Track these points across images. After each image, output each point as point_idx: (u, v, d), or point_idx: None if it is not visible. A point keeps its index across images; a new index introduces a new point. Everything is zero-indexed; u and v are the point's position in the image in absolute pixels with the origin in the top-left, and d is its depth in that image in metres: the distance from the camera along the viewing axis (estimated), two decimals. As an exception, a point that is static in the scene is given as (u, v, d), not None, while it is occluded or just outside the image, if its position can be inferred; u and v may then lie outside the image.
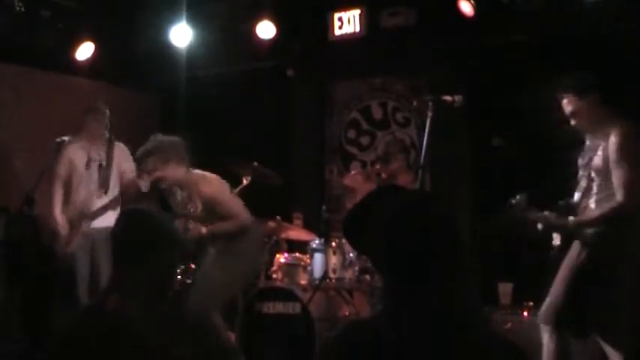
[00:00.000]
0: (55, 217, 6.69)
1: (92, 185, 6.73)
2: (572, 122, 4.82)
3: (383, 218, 2.25)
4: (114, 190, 6.82)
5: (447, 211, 2.27)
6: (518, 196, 4.74)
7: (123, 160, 6.83)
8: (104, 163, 6.76)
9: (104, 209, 6.70)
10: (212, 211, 5.55)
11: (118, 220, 3.16)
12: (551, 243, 4.92)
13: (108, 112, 6.83)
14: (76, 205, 6.72)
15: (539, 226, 4.77)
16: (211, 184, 5.64)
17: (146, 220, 3.05)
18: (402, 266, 2.19)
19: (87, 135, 6.83)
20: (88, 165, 6.76)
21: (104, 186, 6.72)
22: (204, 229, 5.42)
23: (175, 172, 5.56)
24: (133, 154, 6.57)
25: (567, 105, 4.81)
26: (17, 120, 8.42)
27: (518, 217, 4.76)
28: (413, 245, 2.18)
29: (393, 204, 2.29)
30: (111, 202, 6.75)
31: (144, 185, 6.14)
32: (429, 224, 2.22)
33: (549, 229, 4.80)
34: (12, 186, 8.13)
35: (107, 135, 6.85)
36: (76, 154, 6.80)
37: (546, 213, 4.72)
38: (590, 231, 4.68)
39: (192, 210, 5.57)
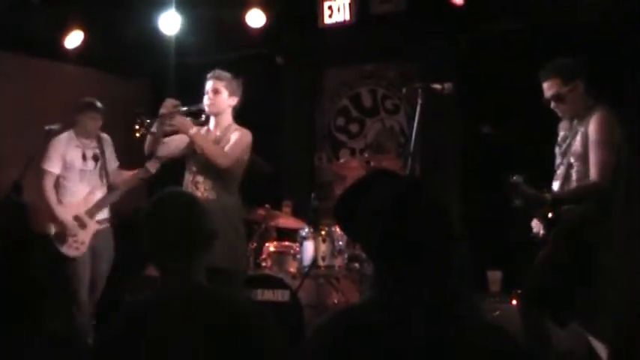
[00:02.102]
0: (63, 219, 6.46)
1: (93, 179, 6.65)
2: (553, 105, 4.81)
3: (374, 204, 2.24)
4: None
5: (438, 198, 2.25)
6: (514, 177, 4.71)
7: (109, 150, 6.76)
8: (99, 155, 6.69)
9: (105, 202, 6.64)
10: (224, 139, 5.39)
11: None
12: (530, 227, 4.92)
13: (102, 108, 6.72)
14: (79, 203, 6.59)
15: (517, 201, 4.73)
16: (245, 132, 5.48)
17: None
18: (392, 253, 2.18)
19: (81, 132, 6.67)
20: (84, 160, 6.68)
21: (104, 177, 6.67)
22: (194, 129, 5.19)
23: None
24: (122, 141, 6.63)
25: (550, 88, 4.79)
26: (5, 106, 8.38)
27: (517, 198, 4.73)
28: (403, 232, 2.16)
29: (384, 190, 2.28)
30: (108, 195, 6.69)
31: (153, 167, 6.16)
32: (420, 211, 2.20)
33: (527, 204, 4.76)
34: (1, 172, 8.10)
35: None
36: (70, 152, 6.61)
37: (525, 187, 4.70)
38: (570, 212, 4.66)
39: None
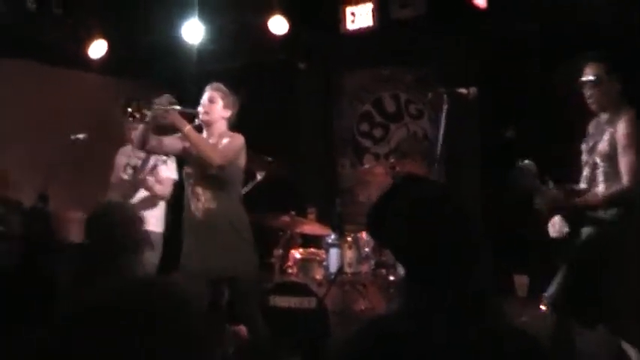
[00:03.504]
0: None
1: (126, 189, 6.72)
2: (586, 91, 4.73)
3: (403, 210, 2.28)
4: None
5: (464, 203, 2.30)
6: (526, 161, 4.68)
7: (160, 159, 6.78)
8: (138, 166, 6.74)
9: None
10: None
11: None
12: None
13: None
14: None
15: (539, 200, 4.70)
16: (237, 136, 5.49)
17: None
18: (420, 259, 2.23)
19: (131, 143, 6.77)
20: (124, 169, 6.77)
21: (134, 190, 6.70)
22: (188, 126, 5.16)
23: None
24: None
25: (592, 71, 4.70)
26: (27, 116, 8.42)
27: (527, 184, 4.69)
28: (431, 237, 2.22)
29: (413, 196, 2.32)
30: (141, 202, 6.73)
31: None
32: (447, 217, 2.25)
33: (551, 206, 4.73)
34: (25, 181, 8.13)
35: None
36: (120, 160, 6.87)
37: (552, 189, 4.66)
38: (602, 215, 4.62)
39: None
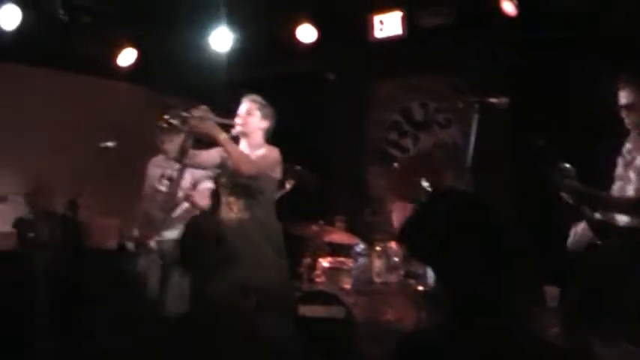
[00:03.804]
0: (132, 235, 6.85)
1: (162, 201, 6.77)
2: (624, 114, 4.69)
3: (438, 222, 2.31)
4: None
5: (497, 215, 2.33)
6: (567, 165, 4.65)
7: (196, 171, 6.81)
8: (174, 176, 6.78)
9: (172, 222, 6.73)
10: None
11: None
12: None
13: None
14: (148, 222, 6.76)
15: (566, 195, 4.67)
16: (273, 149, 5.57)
17: None
18: (453, 270, 2.26)
19: (165, 155, 6.84)
20: (160, 181, 6.83)
21: (170, 201, 6.75)
22: (224, 135, 5.20)
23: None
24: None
25: (627, 95, 4.65)
26: (56, 125, 8.49)
27: (563, 184, 4.66)
28: (465, 249, 2.24)
29: (447, 208, 2.35)
30: (179, 216, 6.77)
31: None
32: (486, 229, 2.28)
33: (579, 201, 4.68)
34: (55, 189, 8.19)
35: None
36: (152, 172, 6.91)
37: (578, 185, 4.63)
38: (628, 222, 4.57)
39: None
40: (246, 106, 5.50)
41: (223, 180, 5.46)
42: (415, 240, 2.42)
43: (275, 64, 8.92)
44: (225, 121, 5.34)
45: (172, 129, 5.23)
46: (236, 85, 8.72)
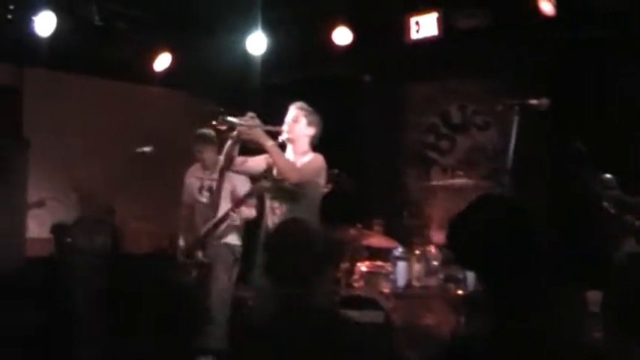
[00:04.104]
0: (180, 246, 7.03)
1: (204, 212, 6.95)
2: None
3: (481, 227, 2.33)
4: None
5: (539, 220, 2.34)
6: (609, 176, 4.60)
7: (234, 178, 6.86)
8: (214, 186, 6.86)
9: (215, 228, 6.80)
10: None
11: None
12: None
13: (212, 137, 6.87)
14: (194, 233, 6.95)
15: (607, 204, 4.61)
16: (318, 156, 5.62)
17: None
18: (497, 275, 2.28)
19: (201, 163, 7.07)
20: (200, 192, 7.01)
21: (212, 212, 6.83)
22: (271, 142, 5.26)
23: None
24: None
25: None
26: (93, 131, 8.55)
27: (604, 195, 4.61)
28: (509, 254, 2.26)
29: (491, 214, 2.37)
30: (219, 219, 6.84)
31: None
32: (529, 234, 2.29)
33: (621, 210, 4.63)
34: (92, 194, 8.25)
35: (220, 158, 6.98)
36: (191, 183, 7.13)
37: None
38: None
39: None
40: (292, 113, 5.55)
41: (268, 185, 5.52)
42: (459, 244, 2.42)
43: (311, 67, 8.90)
44: (272, 128, 5.39)
45: (218, 133, 5.26)
46: (272, 88, 8.74)
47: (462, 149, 8.46)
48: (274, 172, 5.43)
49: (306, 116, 5.53)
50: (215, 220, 6.81)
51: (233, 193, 6.84)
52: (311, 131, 5.56)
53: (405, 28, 8.01)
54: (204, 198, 6.97)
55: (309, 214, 5.34)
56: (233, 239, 6.93)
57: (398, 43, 8.16)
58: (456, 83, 8.67)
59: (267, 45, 8.15)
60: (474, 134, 8.46)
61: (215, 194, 6.88)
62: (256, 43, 8.11)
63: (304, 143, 5.55)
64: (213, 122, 5.19)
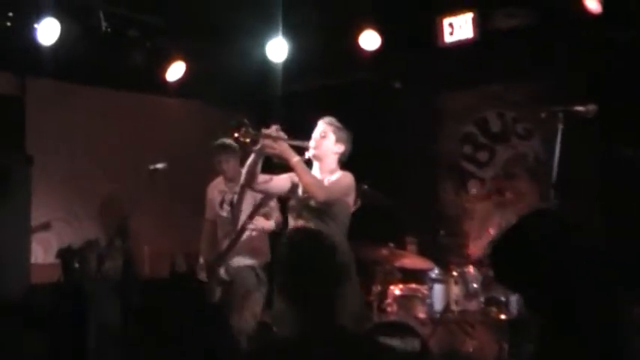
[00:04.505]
0: (200, 263, 7.17)
1: (226, 226, 7.08)
2: None
3: (533, 248, 2.29)
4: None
5: (598, 239, 2.33)
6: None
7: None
8: (235, 201, 6.94)
9: (234, 242, 6.92)
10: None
11: None
12: None
13: (233, 147, 6.91)
14: (216, 250, 7.10)
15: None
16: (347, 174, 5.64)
17: None
18: (554, 302, 2.23)
19: (223, 175, 7.18)
20: (221, 206, 7.12)
21: (234, 224, 6.90)
22: (297, 157, 5.25)
23: None
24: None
25: None
26: (105, 144, 8.60)
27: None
28: (567, 278, 2.22)
29: (542, 232, 2.33)
30: (237, 233, 6.92)
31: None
32: (583, 253, 2.26)
33: None
34: (102, 215, 8.29)
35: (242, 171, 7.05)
36: (214, 197, 7.23)
37: None
38: None
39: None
40: (321, 128, 5.56)
41: (293, 203, 5.52)
42: (504, 264, 2.41)
43: (335, 74, 8.95)
44: (298, 143, 5.40)
45: (241, 145, 5.28)
46: (293, 97, 8.77)
47: (502, 160, 8.43)
48: (299, 189, 5.44)
49: (335, 132, 5.53)
50: (234, 234, 6.88)
51: (256, 207, 6.88)
52: (340, 149, 5.56)
53: (438, 31, 8.04)
54: (225, 212, 7.06)
55: (337, 234, 5.36)
56: (256, 258, 6.98)
57: (430, 47, 8.20)
58: (495, 89, 8.65)
59: (289, 51, 8.21)
60: (515, 144, 8.42)
61: (236, 208, 6.95)
62: (277, 48, 8.18)
63: (332, 161, 5.56)
64: (236, 134, 5.19)
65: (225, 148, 6.97)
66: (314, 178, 5.35)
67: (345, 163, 5.58)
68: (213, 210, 7.17)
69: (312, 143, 5.47)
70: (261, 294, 6.92)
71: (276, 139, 5.21)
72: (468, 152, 8.80)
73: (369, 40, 8.08)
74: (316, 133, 5.54)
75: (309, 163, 5.45)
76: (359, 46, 8.14)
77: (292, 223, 5.46)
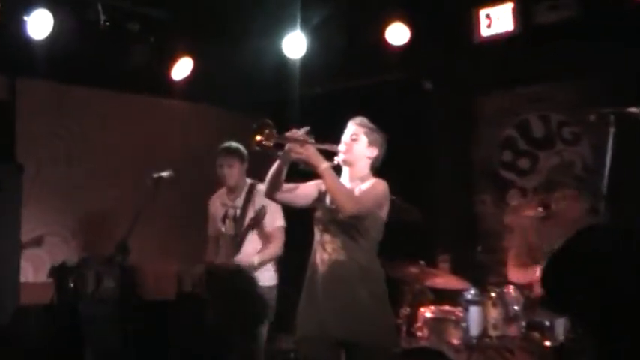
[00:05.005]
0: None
1: (228, 245, 6.96)
2: None
3: (589, 268, 2.28)
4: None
5: None
6: None
7: (263, 209, 6.88)
8: (238, 214, 6.89)
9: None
10: None
11: None
12: None
13: (241, 152, 6.94)
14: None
15: None
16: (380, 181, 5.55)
17: None
18: (617, 328, 2.22)
19: (226, 185, 7.11)
20: (223, 222, 7.03)
21: (237, 243, 6.85)
22: (326, 164, 5.12)
23: None
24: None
25: None
26: (104, 151, 8.60)
27: None
28: (627, 298, 2.21)
29: (599, 250, 2.32)
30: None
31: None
32: None
33: None
34: (100, 229, 8.29)
35: (247, 181, 7.08)
36: (216, 211, 7.15)
37: None
38: None
39: None
40: (351, 130, 5.47)
41: (318, 215, 5.42)
42: (558, 287, 2.40)
43: (360, 73, 8.93)
44: (327, 147, 5.32)
45: (264, 149, 5.21)
46: (313, 99, 8.76)
47: (546, 168, 8.39)
48: (327, 199, 5.37)
49: (367, 135, 5.43)
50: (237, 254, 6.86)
51: (260, 225, 6.84)
52: (373, 153, 5.45)
53: (474, 24, 8.02)
54: (229, 229, 6.99)
55: (367, 251, 5.32)
56: (265, 279, 6.91)
57: (465, 42, 8.20)
58: (537, 89, 8.62)
59: (307, 47, 8.22)
60: (560, 150, 8.40)
61: (238, 224, 6.88)
62: (294, 44, 8.21)
63: (364, 167, 5.45)
64: (258, 137, 5.10)
65: (231, 151, 6.95)
66: (344, 188, 5.25)
67: (378, 169, 5.52)
68: (215, 226, 7.12)
69: (341, 147, 5.38)
70: (269, 318, 6.86)
71: (303, 143, 5.14)
72: (508, 159, 8.78)
73: (397, 34, 8.08)
74: (346, 136, 5.44)
75: (337, 170, 5.38)
76: (385, 41, 8.13)
77: (318, 237, 5.38)
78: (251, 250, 6.85)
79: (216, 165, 6.99)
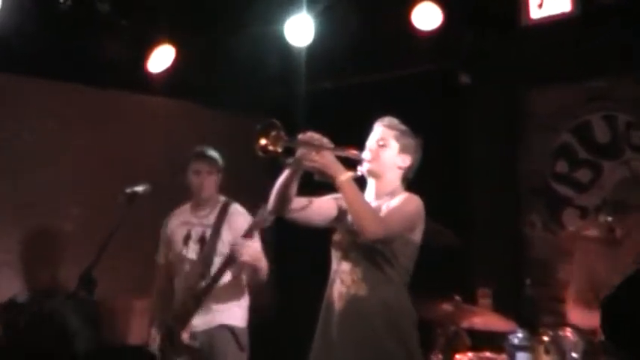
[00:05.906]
0: (152, 334, 6.96)
1: (191, 272, 6.84)
2: None
3: None
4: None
5: None
6: None
7: (236, 228, 6.84)
8: (207, 236, 6.79)
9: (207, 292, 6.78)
10: None
11: None
12: None
13: (220, 161, 6.92)
14: (172, 308, 6.89)
15: None
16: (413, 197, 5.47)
17: None
18: None
19: (194, 199, 7.05)
20: (186, 243, 6.90)
21: (203, 271, 6.72)
22: (346, 175, 4.98)
23: None
24: (241, 203, 6.90)
25: None
26: (67, 162, 8.52)
27: None
28: None
29: None
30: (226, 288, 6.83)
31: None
32: None
33: None
34: (61, 257, 8.22)
35: (221, 198, 7.05)
36: (176, 231, 7.04)
37: None
38: None
39: None
40: (378, 133, 5.36)
41: (337, 237, 5.32)
42: (619, 328, 2.38)
43: (381, 62, 8.88)
44: (347, 154, 5.18)
45: (268, 155, 5.05)
46: (322, 94, 8.69)
47: (611, 182, 8.24)
48: (349, 217, 5.19)
49: (398, 139, 5.32)
50: (204, 282, 6.73)
51: (235, 245, 6.70)
52: (405, 162, 5.35)
53: (522, 3, 7.93)
54: (192, 252, 6.87)
55: (395, 285, 5.20)
56: (236, 318, 6.88)
57: (511, 26, 8.12)
58: (601, 83, 8.51)
59: (315, 33, 8.18)
60: (629, 159, 8.32)
61: (209, 247, 6.75)
62: (299, 30, 8.16)
63: (394, 179, 5.35)
64: (263, 140, 4.93)
65: (210, 157, 6.93)
66: (367, 205, 5.09)
67: (411, 182, 5.39)
68: (172, 249, 6.97)
69: (366, 154, 5.26)
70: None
71: (319, 149, 4.97)
72: (563, 171, 8.71)
73: (426, 16, 8.01)
74: (372, 141, 5.33)
75: (360, 182, 5.22)
76: (411, 25, 8.06)
77: (335, 266, 5.29)
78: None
79: (190, 170, 6.89)
